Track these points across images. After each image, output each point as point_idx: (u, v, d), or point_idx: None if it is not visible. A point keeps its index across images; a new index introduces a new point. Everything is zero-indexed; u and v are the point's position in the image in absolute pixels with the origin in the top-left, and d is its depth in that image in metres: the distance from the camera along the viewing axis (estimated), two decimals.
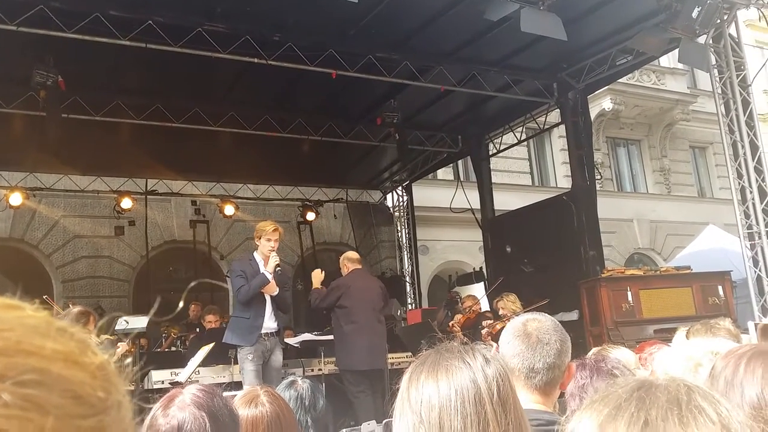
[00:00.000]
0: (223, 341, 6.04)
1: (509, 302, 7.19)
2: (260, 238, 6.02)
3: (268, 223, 6.17)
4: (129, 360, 5.40)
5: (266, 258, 5.96)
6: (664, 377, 0.81)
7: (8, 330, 0.46)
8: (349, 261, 6.94)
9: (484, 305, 8.74)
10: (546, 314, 2.16)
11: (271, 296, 6.03)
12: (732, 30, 7.63)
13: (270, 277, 5.94)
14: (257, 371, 5.84)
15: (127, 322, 6.14)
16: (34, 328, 0.47)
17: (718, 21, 7.39)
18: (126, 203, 11.13)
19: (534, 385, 1.92)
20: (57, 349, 0.47)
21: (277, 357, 6.10)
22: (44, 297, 6.36)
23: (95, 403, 0.47)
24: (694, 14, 6.78)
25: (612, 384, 0.84)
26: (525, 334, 1.96)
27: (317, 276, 6.74)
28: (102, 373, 0.49)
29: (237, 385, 5.97)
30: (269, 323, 6.02)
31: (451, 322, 8.19)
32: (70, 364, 0.47)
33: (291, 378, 2.51)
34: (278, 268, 5.95)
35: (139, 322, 6.55)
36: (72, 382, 0.46)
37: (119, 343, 5.35)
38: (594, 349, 2.89)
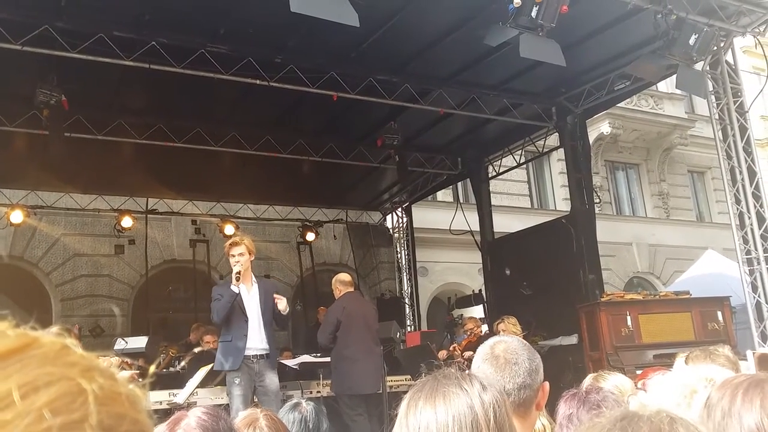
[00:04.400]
0: (213, 368, 5.93)
1: (510, 324, 7.19)
2: (228, 258, 5.87)
3: (228, 241, 6.06)
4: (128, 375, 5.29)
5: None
6: (650, 409, 0.83)
7: (93, 378, 0.46)
8: (342, 284, 6.91)
9: (485, 328, 8.73)
10: (513, 336, 2.15)
11: (260, 315, 5.83)
12: (729, 57, 7.70)
13: (237, 289, 5.75)
14: (245, 397, 5.66)
15: (126, 342, 6.13)
16: (105, 373, 0.48)
17: (715, 48, 7.47)
18: (126, 222, 11.14)
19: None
20: (127, 394, 0.48)
21: (272, 380, 5.87)
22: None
23: None
24: (691, 41, 6.85)
25: (598, 414, 0.85)
26: (493, 357, 1.92)
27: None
28: (149, 411, 0.51)
29: None
30: (256, 344, 5.80)
31: (453, 345, 8.17)
32: (136, 407, 0.48)
33: (295, 400, 2.51)
34: (237, 274, 5.68)
35: (138, 342, 6.54)
36: (143, 424, 0.47)
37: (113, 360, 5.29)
38: (590, 375, 2.89)
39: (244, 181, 10.85)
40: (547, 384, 1.97)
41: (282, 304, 5.89)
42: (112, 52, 6.64)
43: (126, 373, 5.13)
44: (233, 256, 5.78)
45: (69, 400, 0.43)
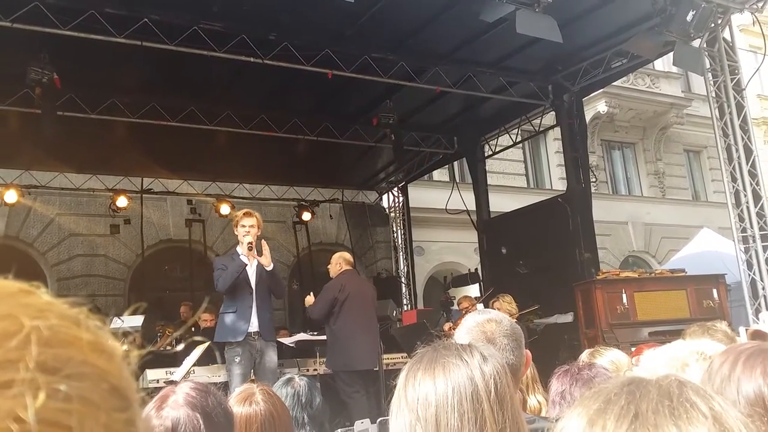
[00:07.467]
0: (213, 341, 5.86)
1: (505, 303, 7.20)
2: (236, 227, 5.78)
3: (241, 210, 6.02)
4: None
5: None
6: (657, 373, 0.81)
7: (45, 319, 0.43)
8: (344, 261, 6.94)
9: (480, 307, 8.76)
10: (494, 311, 2.08)
11: (258, 287, 5.78)
12: (726, 34, 7.65)
13: (246, 259, 5.72)
14: (244, 375, 5.62)
15: (123, 321, 6.10)
16: (65, 316, 0.45)
17: (713, 25, 7.41)
18: (121, 202, 11.10)
19: None
20: (90, 340, 0.45)
21: (271, 357, 5.85)
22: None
23: (128, 395, 0.46)
24: (689, 18, 6.80)
25: (602, 382, 0.84)
26: (478, 333, 1.88)
27: (309, 301, 6.73)
28: (125, 363, 0.47)
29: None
30: (256, 321, 5.75)
31: (449, 325, 8.20)
32: (104, 354, 0.45)
33: (288, 375, 2.51)
34: (249, 244, 5.62)
35: (134, 321, 6.53)
36: (109, 373, 0.44)
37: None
38: (587, 351, 2.89)
39: (239, 160, 10.79)
40: (528, 353, 1.93)
41: (266, 260, 5.72)
42: (104, 29, 6.55)
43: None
44: (244, 226, 5.69)
45: (4, 339, 0.41)
